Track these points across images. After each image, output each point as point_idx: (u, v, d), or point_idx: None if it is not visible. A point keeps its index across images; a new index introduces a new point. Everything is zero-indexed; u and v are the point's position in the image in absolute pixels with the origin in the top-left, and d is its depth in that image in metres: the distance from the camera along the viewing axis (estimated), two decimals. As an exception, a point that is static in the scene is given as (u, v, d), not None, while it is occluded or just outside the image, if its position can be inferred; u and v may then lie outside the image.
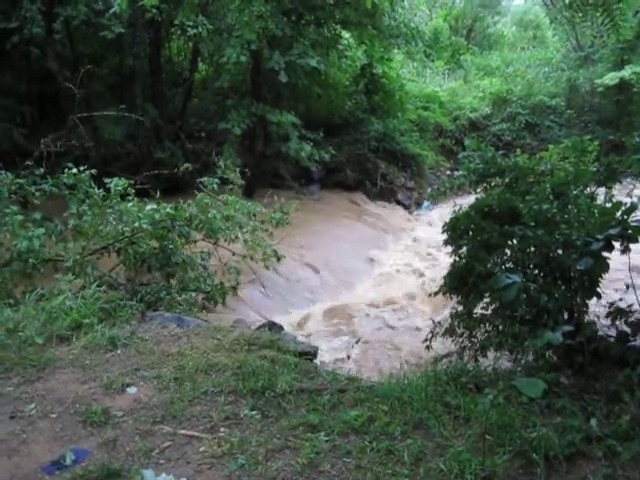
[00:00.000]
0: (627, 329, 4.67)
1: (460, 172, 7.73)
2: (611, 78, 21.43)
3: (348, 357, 7.88)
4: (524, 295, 4.51)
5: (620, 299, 4.98)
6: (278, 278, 10.60)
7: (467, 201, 6.23)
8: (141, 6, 12.99)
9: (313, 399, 3.85)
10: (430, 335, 6.19)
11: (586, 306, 4.96)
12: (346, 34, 18.76)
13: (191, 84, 18.13)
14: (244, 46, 14.39)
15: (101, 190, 7.50)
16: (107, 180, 7.57)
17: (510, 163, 6.48)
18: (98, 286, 6.05)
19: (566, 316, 4.95)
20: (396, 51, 20.11)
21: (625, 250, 4.48)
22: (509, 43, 35.89)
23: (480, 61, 29.76)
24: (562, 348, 4.20)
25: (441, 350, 6.09)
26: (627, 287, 4.84)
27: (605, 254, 4.24)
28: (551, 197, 5.65)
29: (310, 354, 5.20)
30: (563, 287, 5.01)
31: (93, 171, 7.56)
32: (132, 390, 4.04)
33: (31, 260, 6.51)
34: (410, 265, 13.26)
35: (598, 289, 4.75)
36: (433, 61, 25.69)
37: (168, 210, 7.11)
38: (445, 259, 6.42)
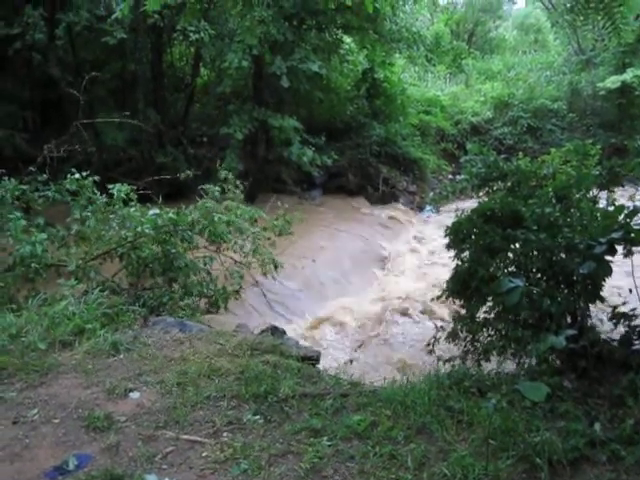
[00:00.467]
0: (630, 333, 4.66)
1: (462, 176, 7.73)
2: (613, 81, 21.45)
3: (351, 361, 7.85)
4: (527, 299, 4.50)
5: (623, 303, 4.97)
6: (280, 283, 10.59)
7: (469, 205, 6.23)
8: (143, 12, 13.00)
9: (316, 404, 3.85)
10: (433, 339, 6.19)
11: (589, 310, 4.95)
12: (348, 39, 18.80)
13: (193, 89, 18.17)
14: (246, 51, 14.42)
15: (104, 195, 7.52)
16: (110, 185, 7.59)
17: (512, 167, 6.48)
18: (101, 291, 6.05)
19: (569, 320, 4.94)
20: (398, 55, 20.13)
21: (628, 254, 4.48)
22: (510, 47, 35.92)
23: (482, 65, 29.80)
24: (565, 352, 4.18)
25: (444, 354, 6.09)
26: (630, 291, 4.83)
27: (608, 258, 4.23)
28: (553, 201, 5.64)
29: (313, 359, 5.19)
30: (566, 291, 5.01)
31: (96, 177, 7.57)
32: (135, 395, 4.04)
33: (34, 265, 6.51)
34: (413, 269, 13.24)
35: (601, 293, 4.74)
36: (435, 65, 25.68)
37: (170, 215, 7.12)
38: (448, 263, 6.41)
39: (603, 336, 4.68)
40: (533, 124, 23.76)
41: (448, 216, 8.57)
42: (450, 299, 6.07)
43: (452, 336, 5.86)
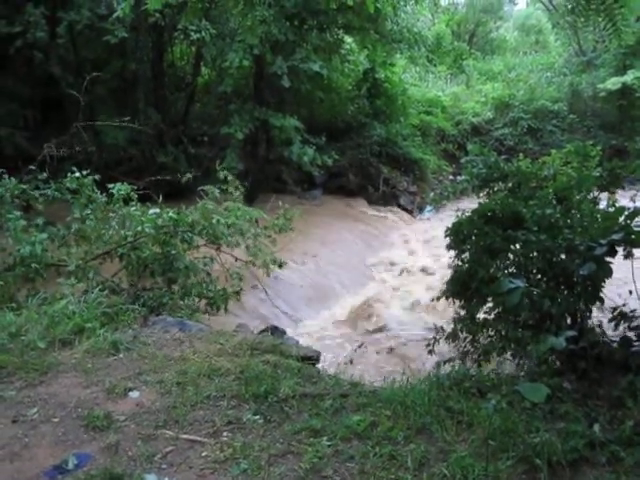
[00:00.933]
0: (630, 334, 4.66)
1: (463, 177, 7.73)
2: (613, 83, 21.48)
3: (351, 361, 7.87)
4: (527, 300, 4.50)
5: (623, 304, 4.97)
6: (280, 283, 10.60)
7: (470, 206, 6.23)
8: (144, 11, 13.00)
9: (316, 404, 3.84)
10: (433, 340, 6.18)
11: (589, 311, 4.95)
12: (349, 39, 18.80)
13: (194, 88, 18.16)
14: (247, 51, 14.43)
15: (104, 195, 7.52)
16: (110, 185, 7.58)
17: (513, 168, 6.48)
18: (100, 291, 6.05)
19: (569, 321, 4.94)
20: (399, 56, 20.16)
21: (628, 255, 4.48)
22: (511, 48, 35.94)
23: (482, 66, 29.82)
24: (565, 353, 4.19)
25: (444, 355, 6.09)
26: (630, 292, 4.83)
27: (608, 259, 4.23)
28: (554, 202, 5.65)
29: (313, 359, 5.18)
30: (566, 292, 5.01)
31: (96, 176, 7.57)
32: (134, 394, 4.04)
33: (34, 265, 6.51)
34: (413, 269, 13.25)
35: (601, 294, 4.75)
36: (435, 66, 25.73)
37: (171, 215, 7.12)
38: (448, 263, 6.41)
39: (603, 337, 4.69)
40: (534, 125, 23.78)
41: (448, 216, 8.57)
42: (449, 300, 6.06)
43: (452, 337, 5.86)
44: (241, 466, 3.15)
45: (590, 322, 4.98)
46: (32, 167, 7.99)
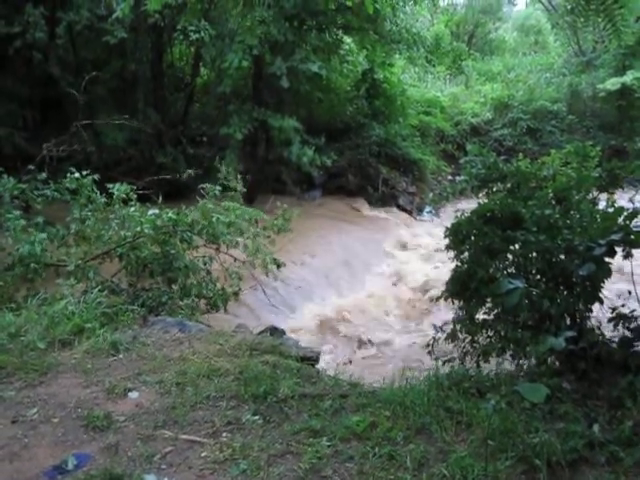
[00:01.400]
0: (630, 335, 4.66)
1: (462, 177, 7.71)
2: (613, 83, 21.51)
3: (350, 362, 7.87)
4: (526, 300, 4.50)
5: (623, 305, 4.97)
6: (279, 283, 10.60)
7: (469, 206, 6.23)
8: (144, 11, 13.03)
9: (315, 404, 3.84)
10: (432, 340, 6.18)
11: (588, 311, 4.95)
12: (348, 39, 18.83)
13: (193, 89, 18.18)
14: (246, 51, 14.44)
15: (103, 195, 7.51)
16: (109, 185, 7.58)
17: (512, 168, 6.47)
18: (100, 291, 6.05)
19: (568, 321, 4.94)
20: (398, 56, 20.19)
21: (627, 255, 4.47)
22: (510, 48, 35.97)
23: (481, 66, 29.84)
24: (564, 353, 4.19)
25: (443, 355, 6.08)
26: (629, 293, 4.83)
27: (607, 259, 4.23)
28: (553, 202, 5.64)
29: (312, 359, 5.18)
30: (565, 292, 5.00)
31: (95, 176, 7.56)
32: (134, 395, 4.04)
33: (33, 265, 6.51)
34: (412, 269, 13.25)
35: (600, 294, 4.74)
36: (434, 66, 25.78)
37: (170, 215, 7.12)
38: (447, 264, 6.41)
39: (602, 338, 4.68)
40: (533, 125, 23.81)
41: (447, 217, 8.57)
42: (448, 300, 6.06)
43: (451, 337, 5.86)
44: (240, 466, 3.15)
45: (589, 322, 4.98)
46: (31, 167, 7.99)
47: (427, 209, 19.20)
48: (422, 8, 22.20)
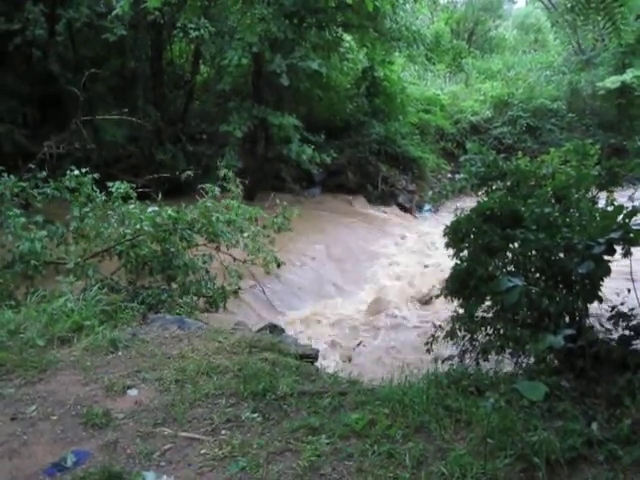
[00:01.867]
0: (628, 333, 4.66)
1: (461, 175, 7.73)
2: (612, 82, 21.49)
3: (349, 359, 7.87)
4: (525, 298, 4.50)
5: (622, 303, 4.97)
6: (279, 281, 10.61)
7: (469, 204, 6.23)
8: (143, 8, 13.04)
9: (314, 402, 3.85)
10: (431, 338, 6.19)
11: (587, 310, 4.95)
12: (348, 37, 18.79)
13: (192, 86, 18.17)
14: (246, 49, 14.42)
15: (103, 193, 7.51)
16: (109, 183, 7.58)
17: (511, 166, 6.48)
18: (99, 288, 6.05)
19: (567, 320, 4.95)
20: (397, 54, 20.14)
21: (626, 254, 4.48)
22: (510, 46, 35.94)
23: (481, 64, 29.82)
24: (563, 352, 4.19)
25: (442, 353, 6.09)
26: (629, 291, 4.83)
27: (607, 258, 4.24)
28: (552, 201, 5.65)
29: (311, 357, 5.19)
30: (564, 291, 5.01)
31: (95, 174, 7.56)
32: (133, 392, 4.04)
33: (33, 262, 6.51)
34: (412, 268, 13.25)
35: (599, 293, 4.75)
36: (434, 64, 25.69)
37: (170, 213, 7.12)
38: (446, 262, 6.41)
39: (601, 336, 4.69)
40: (532, 124, 23.79)
41: (447, 215, 8.57)
42: (448, 298, 6.06)
43: (450, 335, 5.86)
44: (239, 464, 3.15)
45: (588, 321, 4.99)
46: (31, 165, 7.98)
47: (427, 207, 19.20)
48: (422, 6, 22.15)
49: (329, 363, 7.22)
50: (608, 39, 18.66)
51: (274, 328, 6.62)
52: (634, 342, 4.53)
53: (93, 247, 7.18)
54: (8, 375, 4.26)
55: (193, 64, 18.21)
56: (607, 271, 4.29)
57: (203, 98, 19.54)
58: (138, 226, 6.95)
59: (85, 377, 4.26)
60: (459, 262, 5.87)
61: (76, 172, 7.39)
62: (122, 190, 7.48)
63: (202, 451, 3.31)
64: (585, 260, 4.29)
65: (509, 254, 5.44)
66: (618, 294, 5.16)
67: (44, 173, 7.64)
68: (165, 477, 3.02)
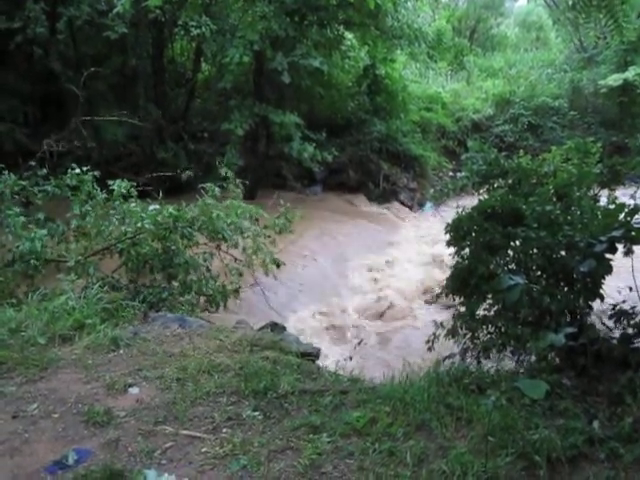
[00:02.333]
0: (630, 331, 4.66)
1: (463, 173, 7.72)
2: (614, 79, 21.45)
3: (350, 358, 7.86)
4: (527, 297, 4.50)
5: (623, 301, 4.97)
6: (280, 280, 10.61)
7: (470, 202, 6.22)
8: (144, 6, 13.04)
9: (315, 400, 3.85)
10: (432, 336, 6.18)
11: (589, 308, 4.95)
12: (349, 35, 18.75)
13: (194, 84, 18.16)
14: (247, 46, 14.41)
15: (104, 191, 7.51)
16: (110, 181, 7.57)
17: (513, 164, 6.47)
18: (100, 287, 6.05)
19: (569, 318, 4.94)
20: (399, 52, 20.10)
21: (628, 252, 4.47)
22: (512, 44, 35.83)
23: (483, 62, 29.75)
24: (565, 350, 4.19)
25: (443, 351, 6.09)
26: (630, 289, 4.83)
27: (608, 256, 4.23)
28: (554, 199, 5.64)
29: (312, 355, 5.19)
30: (566, 289, 5.00)
31: (96, 172, 7.56)
32: (134, 390, 4.04)
33: (33, 261, 6.51)
34: (413, 266, 13.24)
35: (601, 291, 4.74)
36: (436, 62, 25.71)
37: (171, 211, 7.11)
38: (447, 260, 6.41)
39: (603, 334, 4.68)
40: (534, 122, 23.75)
41: (448, 213, 8.56)
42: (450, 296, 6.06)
43: (452, 333, 5.86)
44: (241, 462, 3.15)
45: (589, 319, 4.98)
46: (32, 163, 7.98)
47: (428, 205, 19.17)
48: (424, 4, 22.13)
49: (330, 361, 7.22)
50: (610, 37, 18.60)
51: (275, 326, 6.60)
52: (635, 340, 4.53)
53: (94, 245, 7.17)
54: (9, 373, 4.26)
55: (194, 62, 18.20)
56: (608, 269, 4.29)
57: (204, 96, 19.53)
58: (139, 224, 6.94)
59: (86, 375, 4.26)
60: (460, 260, 5.86)
61: (77, 170, 7.38)
62: (123, 188, 7.47)
63: (203, 449, 3.31)
64: (586, 258, 4.29)
65: (510, 252, 5.43)
66: (620, 292, 5.16)
67: (44, 171, 7.64)
68: (166, 475, 3.02)
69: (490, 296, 5.37)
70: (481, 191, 6.66)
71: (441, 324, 6.13)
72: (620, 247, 4.31)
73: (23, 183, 7.31)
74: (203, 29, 14.57)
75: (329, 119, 19.15)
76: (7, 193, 7.12)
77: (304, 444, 3.31)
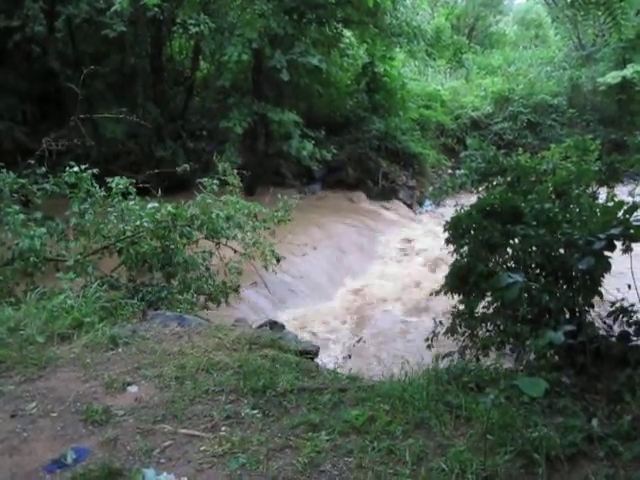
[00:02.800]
0: (629, 328, 4.66)
1: (462, 171, 7.72)
2: (613, 77, 21.47)
3: (349, 356, 7.87)
4: (526, 294, 4.50)
5: (622, 299, 4.97)
6: (279, 277, 10.61)
7: (469, 200, 6.22)
8: (143, 4, 13.02)
9: (314, 398, 3.84)
10: (432, 334, 6.18)
11: (588, 305, 4.95)
12: (348, 33, 18.77)
13: (192, 82, 18.15)
14: (246, 44, 14.41)
15: (102, 189, 7.49)
16: (109, 179, 7.56)
17: (512, 162, 6.48)
18: (99, 285, 6.04)
19: (568, 316, 4.94)
20: (398, 50, 20.12)
21: (627, 250, 4.47)
22: (511, 42, 35.90)
23: (482, 60, 29.79)
24: (564, 348, 4.18)
25: (443, 349, 6.09)
26: (629, 287, 4.83)
27: (607, 253, 4.23)
28: (553, 196, 5.64)
29: (311, 353, 5.19)
30: (565, 286, 5.01)
31: (95, 170, 7.54)
32: (133, 389, 4.03)
33: (32, 259, 6.50)
34: (412, 264, 13.25)
35: (600, 288, 4.75)
36: (435, 60, 25.73)
37: (170, 209, 7.10)
38: (446, 258, 6.41)
39: (602, 332, 4.69)
40: (533, 119, 23.78)
41: (447, 211, 8.55)
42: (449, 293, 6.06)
43: (451, 331, 5.86)
44: (239, 460, 3.15)
45: (589, 317, 4.98)
46: (31, 161, 7.96)
47: (427, 203, 19.19)
48: (422, 1, 22.12)
49: (329, 359, 7.22)
50: (608, 34, 18.62)
51: (274, 324, 6.61)
52: (634, 338, 4.53)
53: (93, 244, 7.16)
54: (8, 372, 4.25)
55: (193, 60, 18.19)
56: (607, 267, 4.29)
57: (203, 94, 19.52)
58: (138, 223, 6.93)
59: (85, 374, 4.26)
60: (459, 258, 5.87)
61: (75, 168, 7.37)
62: (122, 186, 7.45)
63: (202, 448, 3.30)
64: (585, 256, 4.28)
65: (509, 250, 5.44)
66: (618, 289, 5.16)
67: (43, 169, 7.63)
68: (165, 474, 3.02)
69: (489, 294, 5.38)
70: (480, 189, 6.67)
71: (440, 322, 6.14)
72: (619, 245, 4.31)
73: (22, 181, 7.29)
74: (202, 27, 14.56)
75: (328, 117, 19.15)
76: (6, 191, 7.11)
77: (303, 442, 3.31)
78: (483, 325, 5.52)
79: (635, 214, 4.27)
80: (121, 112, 12.05)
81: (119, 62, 16.87)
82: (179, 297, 6.91)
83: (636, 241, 4.25)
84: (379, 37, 17.94)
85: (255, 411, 3.69)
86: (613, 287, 5.19)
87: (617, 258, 4.19)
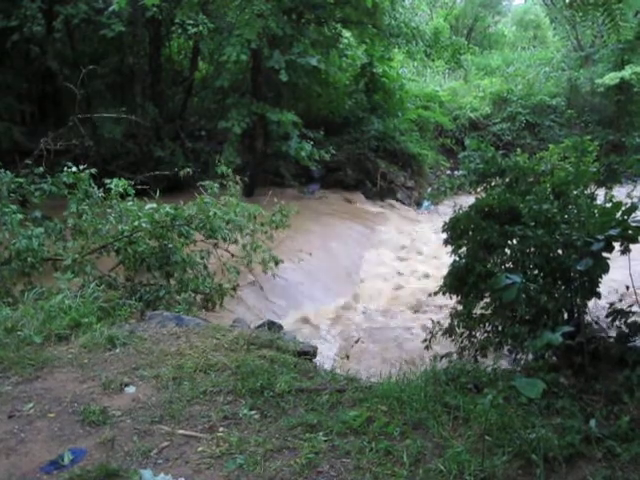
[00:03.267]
0: (626, 330, 4.66)
1: (460, 172, 7.74)
2: (611, 78, 21.46)
3: (347, 357, 7.86)
4: (524, 295, 4.50)
5: (620, 300, 4.97)
6: (276, 278, 10.61)
7: (467, 201, 6.22)
8: (141, 4, 12.99)
9: (312, 399, 3.84)
10: (430, 335, 6.18)
11: (586, 306, 4.95)
12: (346, 33, 18.73)
13: (191, 83, 18.12)
14: (244, 45, 14.38)
15: (101, 189, 7.49)
16: (107, 180, 7.56)
17: (510, 163, 6.48)
18: (97, 285, 6.04)
19: (566, 316, 4.95)
20: (396, 50, 20.10)
21: (625, 251, 4.47)
22: (509, 43, 35.93)
23: (480, 61, 29.79)
24: (562, 348, 4.19)
25: (441, 350, 6.09)
26: (627, 288, 4.83)
27: (605, 255, 4.23)
28: (551, 197, 5.64)
29: (309, 354, 5.18)
30: (563, 287, 5.01)
31: (93, 170, 7.54)
32: (131, 389, 4.03)
33: (30, 259, 6.49)
34: (410, 264, 13.24)
35: (598, 289, 4.75)
36: (433, 60, 25.66)
37: (168, 209, 7.10)
38: (445, 259, 6.41)
39: (599, 333, 4.69)
40: (531, 120, 23.78)
41: (446, 211, 8.56)
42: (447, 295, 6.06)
43: (449, 332, 5.86)
44: (237, 461, 3.14)
45: (587, 317, 4.99)
46: (29, 161, 7.96)
47: (425, 203, 19.16)
48: (421, 2, 22.15)
49: (327, 360, 7.21)
50: (607, 35, 18.56)
51: (272, 325, 6.60)
52: (632, 339, 4.53)
53: (91, 244, 7.16)
54: (5, 373, 4.24)
55: (192, 60, 18.16)
56: (605, 268, 4.29)
57: (202, 94, 19.47)
58: (136, 223, 6.94)
59: (82, 374, 4.25)
60: (458, 259, 5.87)
61: (73, 168, 7.37)
62: (120, 187, 7.46)
63: (199, 449, 3.30)
64: (584, 257, 4.29)
65: (508, 251, 5.44)
66: (617, 290, 5.17)
67: (41, 169, 7.63)
68: (162, 475, 3.01)
69: (487, 295, 5.38)
70: (478, 189, 6.67)
71: (438, 323, 6.14)
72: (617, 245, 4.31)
73: (20, 181, 7.30)
74: (200, 27, 14.56)
75: (326, 117, 19.13)
76: (4, 191, 7.11)
77: (301, 443, 3.30)
78: (481, 326, 5.53)
79: (633, 215, 4.27)
80: (120, 112, 12.06)
81: (118, 62, 16.83)
82: (177, 297, 6.91)
83: (634, 242, 4.26)
84: (378, 37, 17.92)
85: (253, 412, 3.69)
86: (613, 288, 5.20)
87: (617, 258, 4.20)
